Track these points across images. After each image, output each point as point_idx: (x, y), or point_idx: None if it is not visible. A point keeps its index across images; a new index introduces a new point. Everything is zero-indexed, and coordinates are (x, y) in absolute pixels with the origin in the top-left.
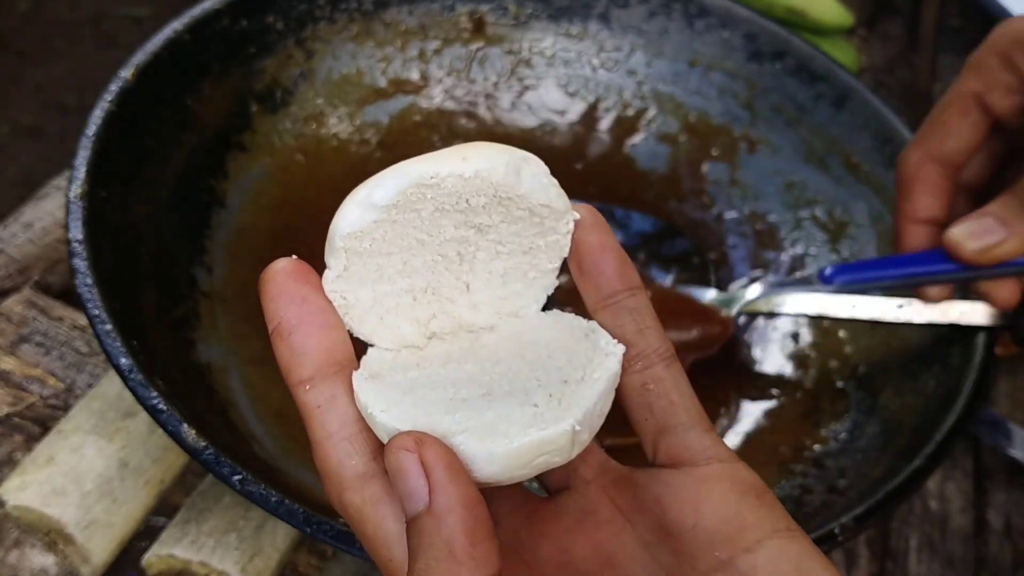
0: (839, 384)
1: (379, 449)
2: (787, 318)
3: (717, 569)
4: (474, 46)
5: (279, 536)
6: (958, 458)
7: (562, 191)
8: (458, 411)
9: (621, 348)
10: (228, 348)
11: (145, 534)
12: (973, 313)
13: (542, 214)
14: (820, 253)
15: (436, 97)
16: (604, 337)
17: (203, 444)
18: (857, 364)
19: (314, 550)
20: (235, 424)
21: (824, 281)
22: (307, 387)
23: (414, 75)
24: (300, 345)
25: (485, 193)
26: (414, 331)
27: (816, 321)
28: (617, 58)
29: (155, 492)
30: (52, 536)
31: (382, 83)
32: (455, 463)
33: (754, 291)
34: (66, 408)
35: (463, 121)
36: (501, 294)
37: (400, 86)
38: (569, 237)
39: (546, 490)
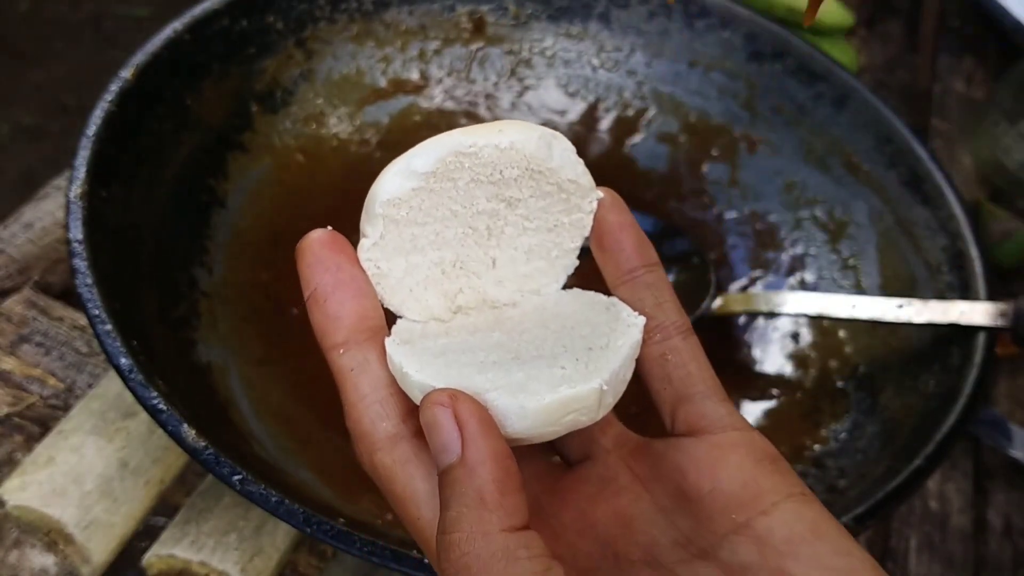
0: (839, 384)
1: (409, 412)
2: (787, 318)
3: (734, 531)
4: (474, 46)
5: (279, 536)
6: (958, 458)
7: (587, 170)
8: (489, 371)
9: (642, 319)
10: (228, 348)
11: (145, 534)
12: (973, 313)
13: (569, 190)
14: (820, 253)
15: (436, 97)
16: (625, 310)
17: (203, 444)
18: (857, 364)
19: (314, 550)
20: (235, 424)
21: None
22: (340, 351)
23: (414, 75)
24: (334, 311)
25: (518, 165)
26: (441, 304)
27: (816, 321)
28: (617, 58)
29: (155, 492)
30: (52, 536)
31: (382, 83)
32: (487, 418)
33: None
34: (66, 408)
35: (463, 121)
36: (525, 271)
37: (400, 86)
38: (591, 216)
39: (567, 461)
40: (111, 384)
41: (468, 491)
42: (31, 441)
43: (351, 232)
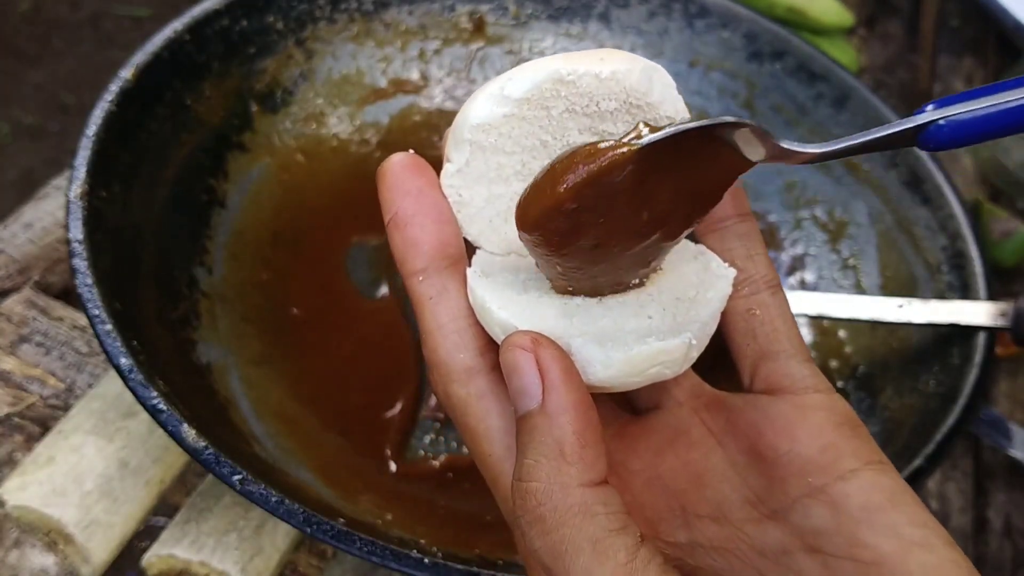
0: (839, 384)
1: (487, 345)
2: None
3: (808, 495)
4: (474, 46)
5: (279, 536)
6: (958, 458)
7: (686, 108)
8: (574, 315)
9: (732, 271)
10: (228, 348)
11: (145, 534)
12: (973, 313)
13: None
14: (820, 253)
15: (436, 97)
16: (715, 260)
17: (203, 444)
18: (857, 364)
19: (314, 550)
20: (235, 424)
21: (927, 144)
22: (420, 278)
23: (414, 75)
24: (414, 237)
25: (616, 97)
26: None
27: (816, 321)
28: None
29: (155, 492)
30: (52, 536)
31: (382, 83)
32: (570, 365)
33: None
34: (66, 408)
35: None
36: None
37: (400, 86)
38: None
39: (635, 409)
40: (111, 384)
41: (547, 440)
42: (31, 441)
43: (351, 229)
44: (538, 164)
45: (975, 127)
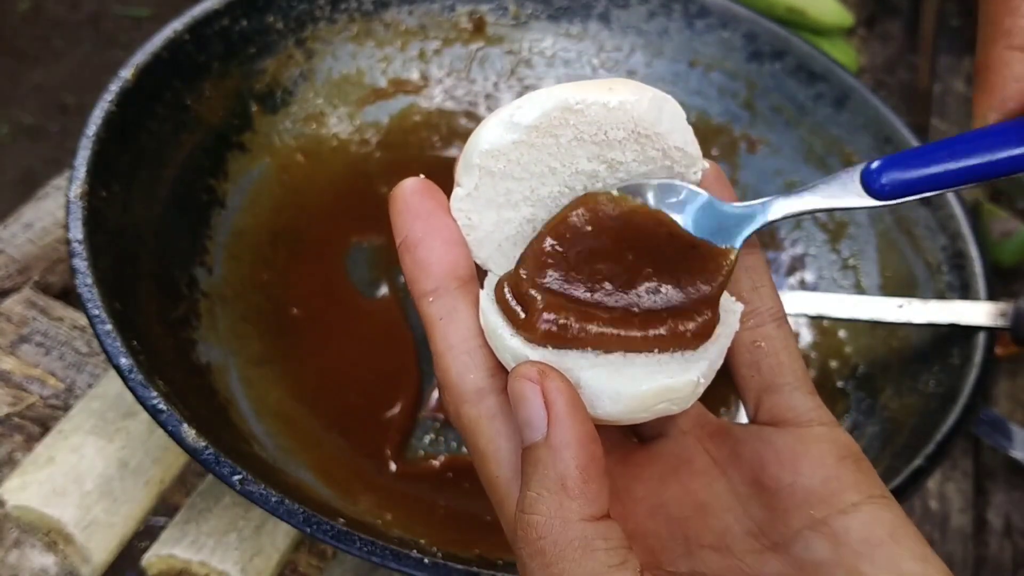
0: (839, 384)
1: (498, 366)
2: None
3: (810, 527)
4: (474, 46)
5: (279, 536)
6: (958, 458)
7: (695, 139)
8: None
9: (740, 306)
10: (228, 348)
11: (145, 534)
12: (973, 313)
13: (674, 157)
14: (820, 253)
15: (436, 97)
16: (723, 295)
17: (203, 444)
18: (857, 364)
19: (314, 550)
20: (235, 424)
21: (871, 186)
22: (430, 299)
23: (414, 75)
24: (424, 258)
25: (625, 127)
26: None
27: (816, 321)
28: (617, 58)
29: (155, 492)
30: (52, 536)
31: (382, 83)
32: (576, 399)
33: (778, 209)
34: (66, 408)
35: (463, 121)
36: None
37: (400, 86)
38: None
39: (638, 436)
40: (111, 384)
41: (550, 474)
42: (31, 441)
43: (351, 229)
44: (546, 190)
45: (912, 163)
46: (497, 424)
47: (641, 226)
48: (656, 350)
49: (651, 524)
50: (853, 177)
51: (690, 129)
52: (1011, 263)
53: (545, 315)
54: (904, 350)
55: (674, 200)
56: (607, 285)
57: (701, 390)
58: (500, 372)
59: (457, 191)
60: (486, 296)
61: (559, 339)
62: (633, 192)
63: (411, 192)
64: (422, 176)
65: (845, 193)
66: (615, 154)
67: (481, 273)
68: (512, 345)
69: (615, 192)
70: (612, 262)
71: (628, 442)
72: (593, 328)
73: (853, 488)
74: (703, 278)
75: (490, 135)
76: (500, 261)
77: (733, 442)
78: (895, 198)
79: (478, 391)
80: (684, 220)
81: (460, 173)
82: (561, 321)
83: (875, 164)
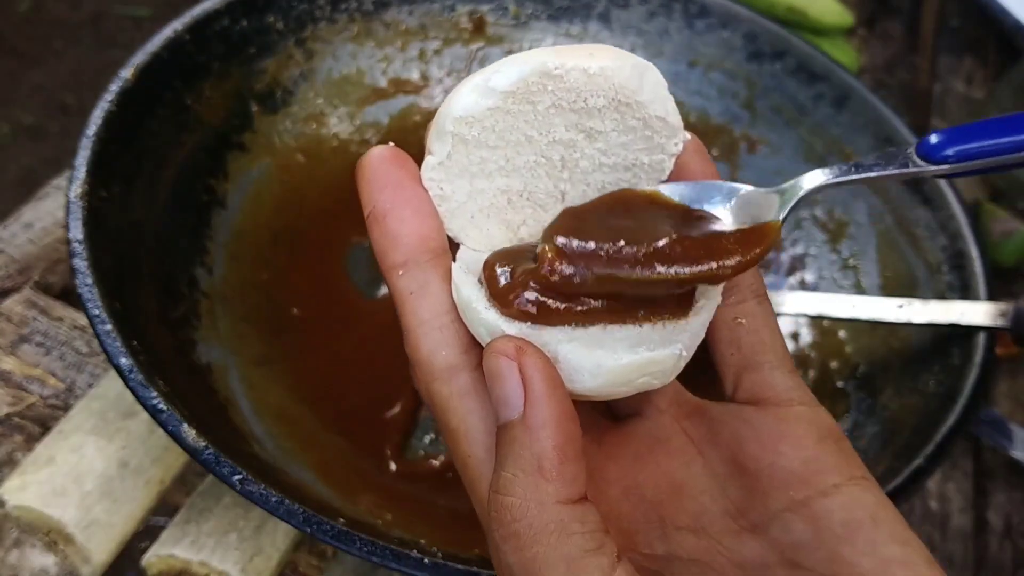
0: (839, 384)
1: (471, 342)
2: (787, 318)
3: (790, 509)
4: (474, 46)
5: (279, 536)
6: (958, 458)
7: (677, 108)
8: None
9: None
10: (228, 348)
11: (145, 534)
12: (973, 313)
13: (655, 127)
14: (820, 253)
15: (436, 97)
16: None
17: (203, 444)
18: (857, 364)
19: (314, 550)
20: (235, 424)
21: (931, 154)
22: (400, 272)
23: (414, 75)
24: (394, 230)
25: (605, 94)
26: (503, 235)
27: (816, 321)
28: None
29: (155, 492)
30: (52, 536)
31: (382, 83)
32: (554, 376)
33: (815, 178)
34: (66, 408)
35: None
36: None
37: (400, 86)
38: (673, 160)
39: (613, 414)
40: (111, 384)
41: (526, 454)
42: (31, 441)
43: (351, 229)
44: (522, 160)
45: (971, 136)
46: (469, 402)
47: (674, 212)
48: (649, 318)
49: (625, 506)
50: (906, 150)
51: (671, 99)
52: (1011, 263)
53: (526, 295)
54: (904, 350)
55: (716, 198)
56: (623, 245)
57: (683, 364)
58: (473, 348)
59: (429, 159)
60: (459, 269)
61: (537, 318)
62: (670, 192)
63: (379, 160)
64: (391, 144)
65: (899, 161)
66: (594, 123)
67: (453, 246)
68: (487, 319)
69: (651, 190)
70: (633, 228)
71: (602, 421)
72: (577, 306)
73: (834, 469)
74: (743, 246)
75: (464, 101)
76: (472, 234)
77: (711, 421)
78: (960, 162)
79: (450, 368)
80: (725, 215)
81: (432, 140)
82: (542, 298)
83: (934, 136)
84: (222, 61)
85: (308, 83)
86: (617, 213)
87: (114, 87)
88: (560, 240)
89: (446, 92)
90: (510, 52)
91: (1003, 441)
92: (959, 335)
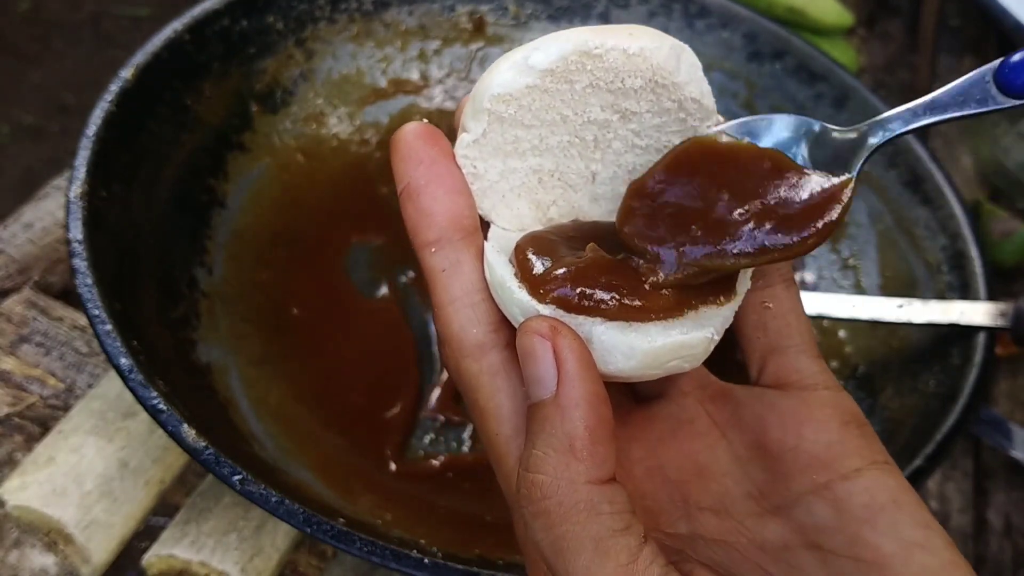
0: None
1: (501, 321)
2: None
3: (812, 492)
4: (474, 46)
5: (279, 536)
6: (958, 458)
7: (711, 91)
8: None
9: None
10: (228, 348)
11: (145, 534)
12: (973, 313)
13: (689, 109)
14: (820, 253)
15: (436, 97)
16: None
17: (203, 444)
18: (857, 364)
19: (314, 550)
20: (235, 424)
21: (1012, 84)
22: (432, 250)
23: (414, 75)
24: (427, 207)
25: (643, 75)
26: (532, 214)
27: (816, 321)
28: None
29: (155, 492)
30: (52, 536)
31: (382, 83)
32: (588, 357)
33: (897, 125)
34: (66, 408)
35: None
36: (624, 191)
37: (400, 86)
38: None
39: (636, 396)
40: (111, 384)
41: (558, 433)
42: (31, 441)
43: (351, 229)
44: (555, 139)
45: None
46: (499, 381)
47: (746, 166)
48: (692, 303)
49: (649, 486)
50: (985, 77)
51: (706, 80)
52: (1011, 263)
53: (561, 288)
54: (904, 350)
55: (787, 136)
56: (694, 229)
57: (712, 347)
58: (504, 327)
59: (463, 137)
60: (491, 248)
61: (576, 309)
62: (741, 133)
63: (414, 137)
64: (425, 120)
65: (975, 96)
66: (629, 103)
67: (484, 224)
68: (521, 299)
69: (724, 137)
70: (704, 205)
71: (627, 402)
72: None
73: (856, 453)
74: (817, 213)
75: (502, 78)
76: (504, 213)
77: (735, 404)
78: None
79: (480, 346)
80: (796, 155)
81: (467, 118)
82: (581, 288)
83: (1016, 56)
84: (222, 61)
85: (308, 83)
86: (688, 183)
87: (114, 87)
88: (652, 249)
89: (446, 92)
90: None
91: (1003, 441)
92: (959, 335)
